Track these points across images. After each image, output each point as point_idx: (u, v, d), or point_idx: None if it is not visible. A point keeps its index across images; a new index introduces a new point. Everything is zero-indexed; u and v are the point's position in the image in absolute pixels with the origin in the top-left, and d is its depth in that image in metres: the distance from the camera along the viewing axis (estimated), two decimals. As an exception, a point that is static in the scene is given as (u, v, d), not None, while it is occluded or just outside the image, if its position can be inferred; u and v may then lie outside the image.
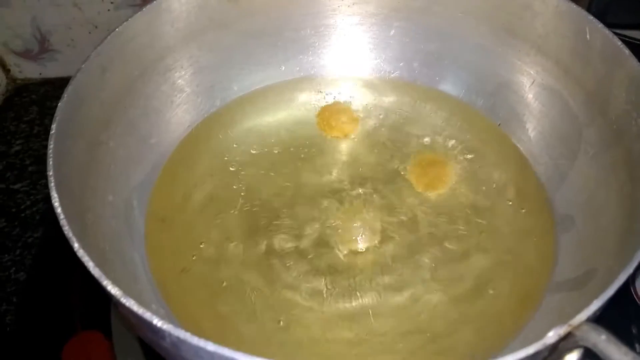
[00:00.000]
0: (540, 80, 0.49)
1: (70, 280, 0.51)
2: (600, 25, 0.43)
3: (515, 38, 0.49)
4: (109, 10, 0.71)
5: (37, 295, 0.53)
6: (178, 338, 0.28)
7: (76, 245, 0.32)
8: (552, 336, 0.29)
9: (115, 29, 0.43)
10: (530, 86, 0.50)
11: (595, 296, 0.30)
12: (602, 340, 0.28)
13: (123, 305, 0.30)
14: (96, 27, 0.72)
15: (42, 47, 0.74)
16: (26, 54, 0.74)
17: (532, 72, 0.49)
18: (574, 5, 0.45)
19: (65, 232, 0.32)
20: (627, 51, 0.41)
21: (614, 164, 0.42)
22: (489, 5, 0.49)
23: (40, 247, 0.59)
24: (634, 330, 0.47)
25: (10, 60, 0.75)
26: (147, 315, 0.29)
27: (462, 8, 0.50)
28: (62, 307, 0.50)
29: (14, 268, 0.58)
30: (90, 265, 0.31)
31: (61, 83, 0.75)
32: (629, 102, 0.41)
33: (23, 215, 0.63)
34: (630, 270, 0.31)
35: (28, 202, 0.64)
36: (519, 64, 0.50)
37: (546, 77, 0.48)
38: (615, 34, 0.53)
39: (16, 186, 0.65)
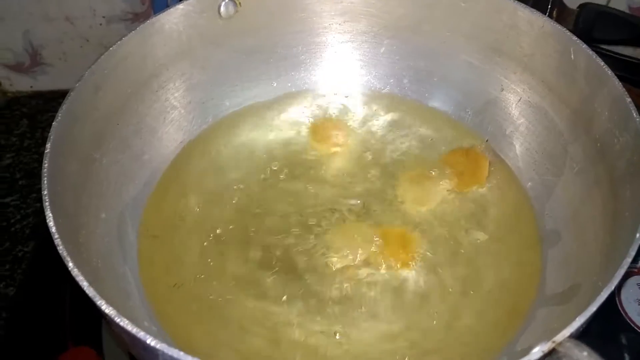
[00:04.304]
0: (526, 98, 0.50)
1: (61, 295, 0.51)
2: (584, 46, 0.44)
3: (502, 56, 0.50)
4: (100, 24, 0.71)
5: (27, 310, 0.53)
6: (172, 357, 0.28)
7: (70, 265, 0.32)
8: (536, 352, 0.30)
9: (108, 48, 0.44)
10: (517, 103, 0.51)
11: (579, 312, 0.31)
12: (584, 357, 0.29)
13: (117, 325, 0.30)
14: (88, 41, 0.73)
15: (33, 61, 0.74)
16: (17, 67, 0.75)
17: (518, 90, 0.50)
18: (558, 26, 0.46)
19: (60, 252, 0.33)
20: (609, 71, 0.42)
21: (598, 181, 0.43)
22: (476, 24, 0.50)
23: (31, 261, 0.59)
24: (624, 341, 0.48)
25: (2, 73, 0.75)
26: (141, 334, 0.29)
27: (450, 27, 0.51)
28: (53, 322, 0.50)
29: (3, 283, 0.58)
30: (85, 284, 0.31)
31: (52, 96, 0.76)
32: (611, 120, 0.42)
33: (13, 229, 0.63)
34: (612, 287, 0.32)
35: (18, 216, 0.64)
36: (505, 82, 0.51)
37: (532, 95, 0.49)
38: (601, 49, 0.55)
39: (6, 200, 0.65)
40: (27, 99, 0.76)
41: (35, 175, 0.68)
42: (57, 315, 0.50)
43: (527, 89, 0.50)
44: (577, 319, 0.30)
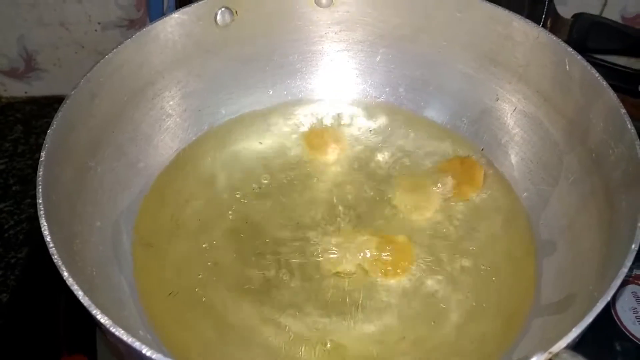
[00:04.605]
0: (521, 108, 0.50)
1: (55, 302, 0.51)
2: (579, 57, 0.44)
3: (498, 66, 0.50)
4: (95, 30, 0.71)
5: (21, 317, 0.52)
6: (168, 367, 0.28)
7: (65, 274, 0.32)
8: (532, 363, 0.30)
9: (104, 55, 0.44)
10: (512, 113, 0.51)
11: (575, 322, 0.31)
12: (581, 368, 0.29)
13: (112, 334, 0.30)
14: (83, 47, 0.73)
15: (28, 66, 0.74)
16: (12, 73, 0.74)
17: (513, 100, 0.51)
18: (553, 37, 0.46)
19: (55, 261, 0.32)
20: (604, 82, 0.42)
21: (593, 191, 0.43)
22: (472, 34, 0.50)
23: (24, 267, 0.59)
24: (618, 349, 0.48)
25: (-4, 78, 0.75)
26: (137, 344, 0.29)
27: (447, 37, 0.52)
28: (47, 330, 0.50)
29: (-4, 289, 0.58)
30: (80, 294, 0.31)
31: (47, 102, 0.76)
32: (606, 131, 0.42)
33: (6, 235, 0.62)
34: (608, 297, 0.32)
35: (12, 222, 0.64)
36: (501, 92, 0.51)
37: (527, 105, 0.50)
38: (595, 59, 0.55)
39: (0, 206, 0.65)
40: (21, 104, 0.76)
41: (29, 181, 0.68)
42: (51, 322, 0.50)
43: (522, 99, 0.50)
44: (573, 329, 0.30)
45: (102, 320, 0.30)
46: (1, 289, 0.58)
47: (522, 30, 0.47)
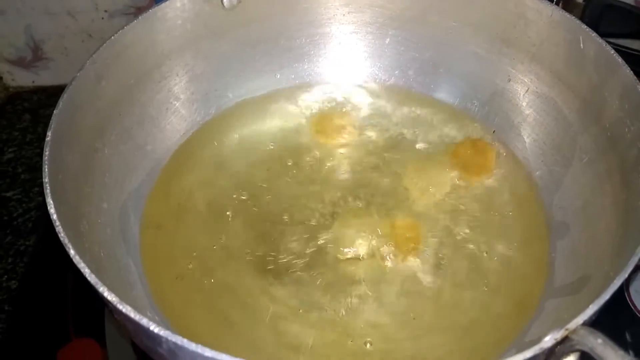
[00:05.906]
0: (534, 89, 0.49)
1: (63, 287, 0.51)
2: (594, 35, 0.43)
3: (509, 47, 0.50)
4: (102, 18, 0.71)
5: (30, 303, 0.53)
6: (175, 344, 0.28)
7: (72, 252, 0.31)
8: (548, 340, 0.29)
9: (110, 37, 0.43)
10: (525, 94, 0.50)
11: (591, 301, 0.31)
12: (598, 344, 0.28)
13: (120, 312, 0.30)
14: (90, 35, 0.72)
15: (35, 55, 0.74)
16: (19, 62, 0.74)
17: (526, 80, 0.50)
18: (567, 15, 0.45)
19: (61, 239, 0.32)
20: (620, 60, 0.42)
21: (608, 171, 0.43)
22: (483, 14, 0.49)
23: (33, 255, 0.59)
24: (628, 336, 0.47)
25: (3, 68, 0.74)
26: (144, 321, 0.28)
27: (457, 17, 0.51)
28: (55, 315, 0.50)
29: (5, 276, 0.58)
30: (87, 272, 0.31)
31: (54, 91, 0.75)
32: (622, 109, 0.41)
33: (15, 223, 0.63)
34: (625, 275, 0.31)
35: (20, 210, 0.64)
36: (513, 72, 0.50)
37: (540, 85, 0.49)
38: (608, 42, 0.54)
39: (8, 194, 0.65)
40: (29, 93, 0.76)
41: (37, 170, 0.67)
42: (59, 307, 0.50)
43: (535, 79, 0.49)
44: (590, 306, 0.30)
45: (109, 298, 0.30)
46: (10, 276, 0.58)
47: (535, 9, 0.47)
